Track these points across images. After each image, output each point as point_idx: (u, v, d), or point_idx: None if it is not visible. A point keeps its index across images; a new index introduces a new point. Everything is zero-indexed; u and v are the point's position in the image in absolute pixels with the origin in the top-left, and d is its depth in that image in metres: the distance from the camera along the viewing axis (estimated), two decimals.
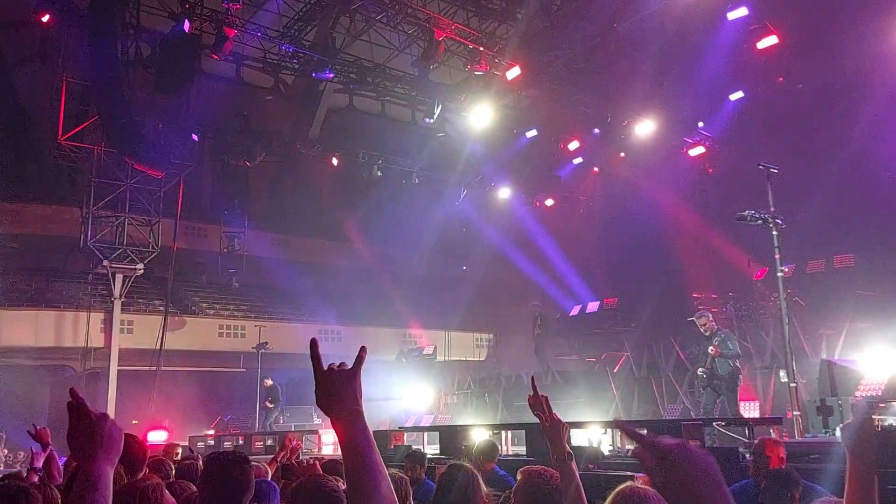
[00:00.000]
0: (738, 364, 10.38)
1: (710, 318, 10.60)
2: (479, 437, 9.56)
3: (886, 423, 1.59)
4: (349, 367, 1.65)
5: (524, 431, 10.38)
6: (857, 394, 7.56)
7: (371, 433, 1.59)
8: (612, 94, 20.43)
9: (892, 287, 13.74)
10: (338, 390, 1.60)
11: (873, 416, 1.68)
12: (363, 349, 1.70)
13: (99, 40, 16.79)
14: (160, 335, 19.92)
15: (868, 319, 12.62)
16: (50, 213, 22.64)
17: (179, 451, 8.29)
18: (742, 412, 9.46)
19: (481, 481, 3.05)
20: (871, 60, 15.43)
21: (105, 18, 17.12)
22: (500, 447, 10.33)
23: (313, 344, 1.65)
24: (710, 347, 10.18)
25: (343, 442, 1.57)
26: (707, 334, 10.41)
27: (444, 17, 18.64)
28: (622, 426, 1.54)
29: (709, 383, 10.42)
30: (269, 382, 18.57)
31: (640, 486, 2.16)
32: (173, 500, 2.71)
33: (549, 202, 24.38)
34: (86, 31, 17.11)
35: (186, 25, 17.16)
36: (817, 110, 18.50)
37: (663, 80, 19.68)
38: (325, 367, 1.63)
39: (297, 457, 7.01)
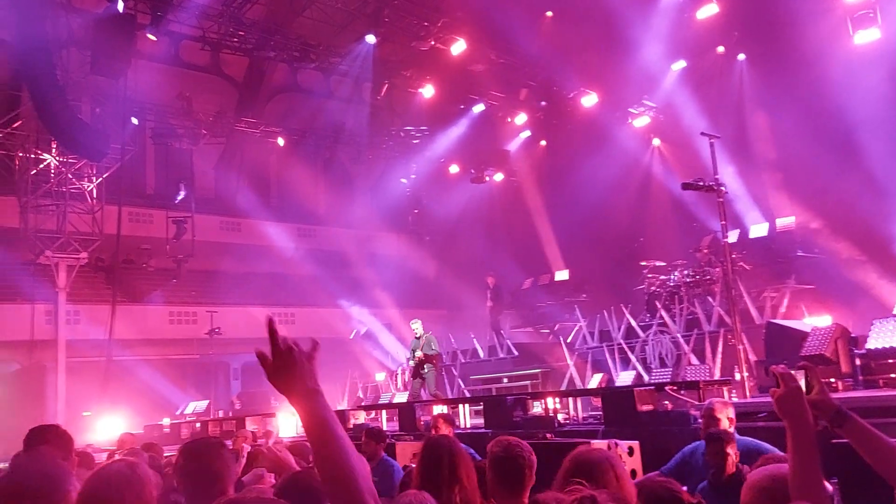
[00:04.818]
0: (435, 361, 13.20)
1: (419, 326, 13.38)
2: (437, 412, 9.64)
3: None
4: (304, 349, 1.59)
5: (482, 404, 10.52)
6: (802, 352, 7.81)
7: (332, 410, 1.56)
8: (557, 67, 20.49)
9: (830, 248, 14.24)
10: (298, 369, 1.54)
11: (800, 381, 1.70)
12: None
13: (27, 21, 16.05)
14: (109, 325, 19.46)
15: (810, 280, 13.06)
16: None
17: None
18: (691, 376, 9.70)
19: (463, 449, 3.03)
20: (812, 27, 15.73)
21: None
22: (458, 421, 10.47)
23: (270, 322, 1.57)
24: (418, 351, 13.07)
25: (309, 422, 1.52)
26: (417, 336, 13.25)
27: None
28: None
29: (416, 374, 13.24)
30: None
31: (594, 447, 2.20)
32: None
33: (499, 176, 24.45)
34: (12, 13, 16.33)
35: (120, 5, 16.56)
36: (757, 78, 18.90)
37: (607, 52, 19.82)
38: (285, 346, 1.55)
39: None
